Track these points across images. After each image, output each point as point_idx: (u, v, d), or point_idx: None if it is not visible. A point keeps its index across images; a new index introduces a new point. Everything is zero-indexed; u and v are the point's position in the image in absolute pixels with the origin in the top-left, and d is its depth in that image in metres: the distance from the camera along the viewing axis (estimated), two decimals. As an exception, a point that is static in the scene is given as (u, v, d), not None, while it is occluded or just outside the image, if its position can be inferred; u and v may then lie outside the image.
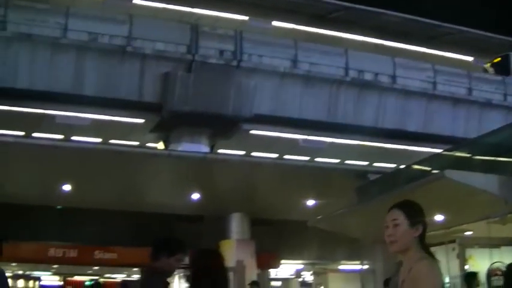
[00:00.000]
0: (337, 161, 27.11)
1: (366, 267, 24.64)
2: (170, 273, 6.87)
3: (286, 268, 30.46)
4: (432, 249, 4.09)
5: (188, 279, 6.08)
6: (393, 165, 26.05)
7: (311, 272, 38.84)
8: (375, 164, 27.30)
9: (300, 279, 37.99)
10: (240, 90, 27.05)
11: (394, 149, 30.81)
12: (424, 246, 4.11)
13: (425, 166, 19.70)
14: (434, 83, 31.22)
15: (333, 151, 29.34)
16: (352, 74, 29.52)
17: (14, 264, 37.73)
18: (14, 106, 26.14)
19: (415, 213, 4.16)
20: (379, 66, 30.45)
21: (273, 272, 34.69)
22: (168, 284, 6.82)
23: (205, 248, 6.34)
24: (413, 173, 19.99)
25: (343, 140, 29.97)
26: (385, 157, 29.91)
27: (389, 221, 4.11)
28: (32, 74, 25.05)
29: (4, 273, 8.66)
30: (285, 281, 37.36)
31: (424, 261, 3.93)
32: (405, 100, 30.45)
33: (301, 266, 36.31)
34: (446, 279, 17.67)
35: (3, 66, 24.62)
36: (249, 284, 15.37)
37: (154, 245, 6.87)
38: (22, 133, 26.48)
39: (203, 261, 5.95)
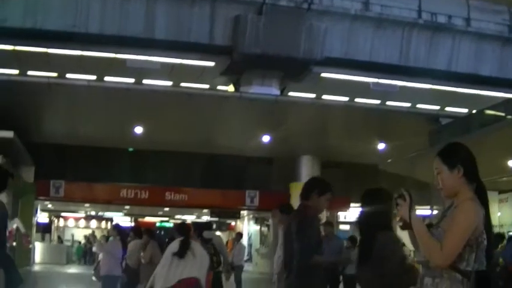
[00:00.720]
0: (409, 104, 26.69)
1: (435, 212, 24.38)
2: (321, 211, 7.14)
3: (356, 212, 30.30)
4: (505, 195, 4.08)
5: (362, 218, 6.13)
6: (466, 110, 25.58)
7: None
8: (447, 109, 26.85)
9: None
10: (310, 33, 26.81)
11: (467, 93, 30.25)
12: (480, 185, 4.04)
13: (498, 111, 19.29)
14: (510, 26, 30.33)
15: (404, 95, 28.97)
16: (425, 16, 28.92)
17: (87, 205, 38.78)
18: (85, 51, 26.53)
19: (451, 156, 4.09)
20: (452, 8, 29.69)
21: (342, 215, 34.76)
22: (319, 221, 7.11)
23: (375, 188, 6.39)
24: (487, 118, 19.65)
25: (415, 84, 29.57)
26: (457, 101, 29.43)
27: (434, 171, 4.11)
28: (103, 18, 25.33)
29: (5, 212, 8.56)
30: (353, 224, 37.37)
31: (468, 202, 3.86)
32: (479, 43, 29.73)
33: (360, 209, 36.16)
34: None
35: (74, 12, 24.93)
36: (322, 224, 15.36)
37: (306, 185, 7.05)
38: (94, 77, 26.88)
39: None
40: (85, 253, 39.73)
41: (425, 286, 3.94)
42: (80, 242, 42.36)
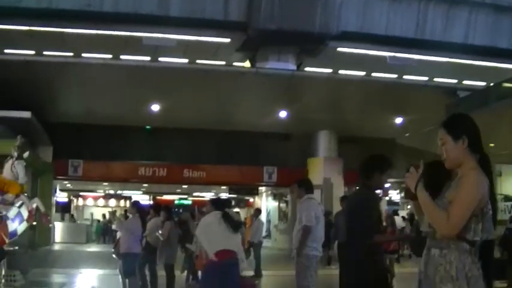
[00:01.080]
0: (426, 78, 26.52)
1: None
2: (382, 188, 7.26)
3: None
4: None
5: None
6: (483, 83, 25.37)
7: (398, 191, 38.75)
8: (465, 82, 26.65)
9: (387, 198, 37.95)
10: (326, 7, 26.58)
11: (484, 66, 29.95)
12: (483, 155, 4.08)
13: (516, 84, 19.23)
14: (528, -3, 29.96)
15: (421, 68, 28.76)
16: (442, -12, 28.58)
17: (105, 184, 38.98)
18: (101, 29, 26.50)
19: (456, 127, 4.10)
20: (468, -20, 29.36)
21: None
22: (380, 198, 7.23)
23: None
24: (504, 91, 19.51)
25: (432, 57, 29.33)
26: (475, 74, 29.17)
27: (438, 142, 4.15)
28: (116, -4, 25.29)
29: None
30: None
31: (473, 172, 3.90)
32: (496, 16, 29.36)
33: (388, 185, 36.19)
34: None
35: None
36: (341, 198, 15.34)
37: (366, 164, 7.00)
38: (110, 56, 26.89)
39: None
40: (104, 232, 40.05)
41: (432, 257, 3.97)
42: (99, 221, 42.64)
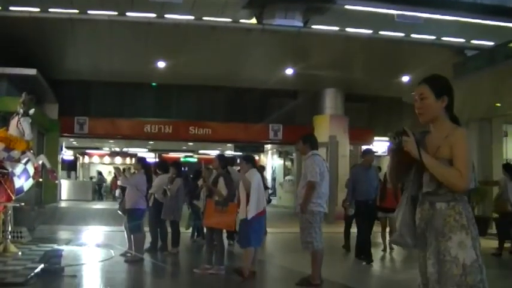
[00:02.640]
0: (434, 37, 26.27)
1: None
2: None
3: (379, 145, 30.26)
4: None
5: None
6: (491, 43, 25.15)
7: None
8: (473, 41, 26.40)
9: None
10: (334, -37, 26.34)
11: (492, 25, 29.63)
12: (453, 117, 4.37)
13: (525, 43, 19.15)
14: (538, -45, 29.57)
15: (429, 27, 28.44)
16: None
17: (111, 141, 39.03)
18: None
19: (440, 86, 4.36)
20: None
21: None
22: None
23: None
24: (512, 51, 19.46)
25: (440, 16, 29.02)
26: (483, 34, 28.85)
27: (417, 95, 4.36)
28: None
29: None
30: (377, 158, 37.41)
31: (461, 129, 4.23)
32: (506, -26, 29.05)
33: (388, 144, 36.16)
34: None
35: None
36: (362, 154, 15.15)
37: None
38: (115, 13, 26.68)
39: None
40: (99, 188, 40.67)
41: (439, 210, 4.18)
42: (91, 178, 43.20)
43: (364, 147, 25.73)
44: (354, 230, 14.51)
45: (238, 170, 11.92)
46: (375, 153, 18.37)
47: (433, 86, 4.32)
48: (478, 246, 4.08)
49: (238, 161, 18.11)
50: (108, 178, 43.45)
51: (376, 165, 15.38)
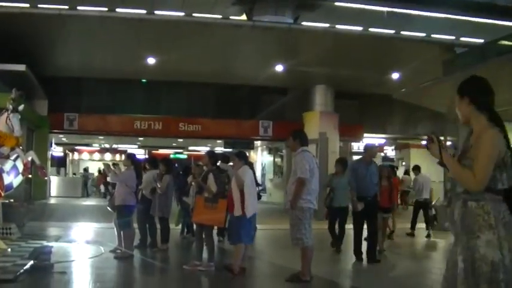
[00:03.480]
0: (423, 34, 26.34)
1: (449, 143, 24.31)
2: None
3: (369, 142, 30.34)
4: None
5: None
6: (481, 40, 25.23)
7: (393, 147, 38.85)
8: (462, 39, 26.46)
9: (382, 154, 38.06)
10: (324, -41, 26.36)
11: (482, 23, 29.73)
12: (492, 116, 4.39)
13: (513, 41, 19.22)
14: (528, -48, 29.66)
15: (419, 24, 28.51)
16: None
17: (101, 137, 38.96)
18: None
19: (461, 87, 4.52)
20: None
21: (355, 146, 34.85)
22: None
23: None
24: (502, 48, 19.49)
25: (430, 13, 29.08)
26: (473, 31, 28.93)
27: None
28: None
29: None
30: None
31: (490, 131, 4.27)
32: (495, -28, 29.14)
33: (384, 141, 36.30)
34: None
35: None
36: (367, 149, 14.88)
37: None
38: (105, 8, 26.60)
39: None
40: (85, 184, 40.50)
41: (470, 209, 4.28)
42: (74, 174, 43.08)
43: (365, 143, 25.76)
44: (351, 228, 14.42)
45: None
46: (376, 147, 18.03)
47: (458, 88, 4.51)
48: (506, 246, 4.14)
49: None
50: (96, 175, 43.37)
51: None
